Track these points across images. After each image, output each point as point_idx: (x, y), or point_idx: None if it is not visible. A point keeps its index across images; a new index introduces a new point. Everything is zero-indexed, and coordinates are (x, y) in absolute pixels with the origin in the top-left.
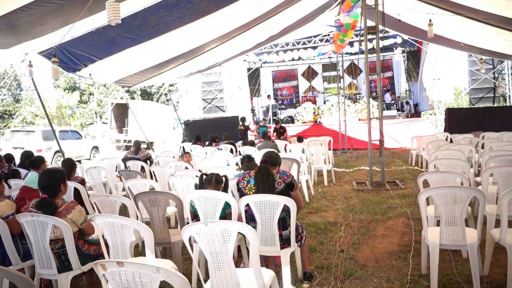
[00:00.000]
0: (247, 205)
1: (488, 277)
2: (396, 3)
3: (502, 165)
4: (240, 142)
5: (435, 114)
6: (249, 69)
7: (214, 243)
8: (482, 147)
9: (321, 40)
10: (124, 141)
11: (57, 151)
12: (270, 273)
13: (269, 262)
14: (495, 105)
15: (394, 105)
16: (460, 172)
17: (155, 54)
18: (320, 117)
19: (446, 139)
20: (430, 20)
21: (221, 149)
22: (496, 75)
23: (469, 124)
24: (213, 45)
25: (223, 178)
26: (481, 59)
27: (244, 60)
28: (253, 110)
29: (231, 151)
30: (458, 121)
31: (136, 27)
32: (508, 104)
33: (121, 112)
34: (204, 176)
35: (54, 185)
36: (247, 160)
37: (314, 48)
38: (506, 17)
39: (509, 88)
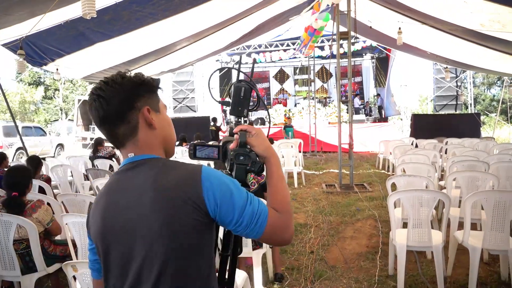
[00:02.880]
0: None
1: (451, 277)
2: (367, 10)
3: (464, 170)
4: (211, 143)
5: (401, 119)
6: (221, 70)
7: None
8: (446, 152)
9: (293, 43)
10: (91, 139)
11: (20, 147)
12: (242, 274)
13: (240, 263)
14: (458, 112)
15: (363, 110)
16: (426, 176)
17: (126, 50)
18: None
19: (412, 144)
20: (399, 28)
21: None
22: (459, 84)
23: (433, 129)
24: (185, 43)
25: None
26: (446, 68)
27: (217, 60)
28: (224, 111)
29: None
30: (423, 126)
31: (107, 21)
32: (469, 112)
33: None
34: None
35: (23, 182)
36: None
37: (286, 50)
38: (469, 29)
39: (470, 96)
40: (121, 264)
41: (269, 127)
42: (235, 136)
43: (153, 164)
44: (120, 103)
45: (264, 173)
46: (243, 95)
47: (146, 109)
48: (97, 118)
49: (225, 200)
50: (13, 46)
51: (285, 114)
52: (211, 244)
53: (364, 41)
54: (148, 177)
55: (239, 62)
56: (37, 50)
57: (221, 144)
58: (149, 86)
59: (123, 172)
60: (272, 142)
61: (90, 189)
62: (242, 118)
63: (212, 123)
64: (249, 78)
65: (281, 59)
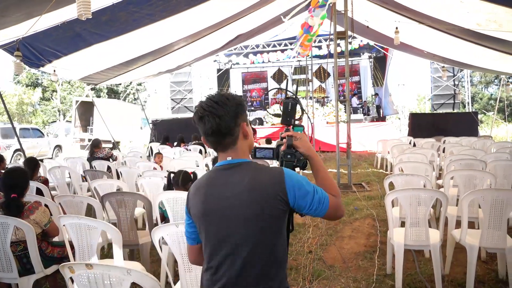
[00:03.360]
0: None
1: (449, 276)
2: (364, 10)
3: (462, 169)
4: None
5: (399, 118)
6: (219, 70)
7: (184, 244)
8: (443, 151)
9: (290, 43)
10: (89, 140)
11: (17, 149)
12: None
13: None
14: (455, 111)
15: (361, 109)
16: (423, 175)
17: (123, 51)
18: None
19: (410, 143)
20: (396, 28)
21: (189, 150)
22: (456, 83)
23: (431, 128)
24: (183, 43)
25: (191, 175)
26: (443, 67)
27: (214, 61)
28: None
29: (200, 152)
30: (421, 125)
31: (104, 22)
32: (467, 110)
33: (86, 111)
34: (172, 175)
35: (22, 184)
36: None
37: (283, 51)
38: (466, 28)
39: (468, 95)
40: (218, 238)
41: (312, 132)
42: (284, 140)
43: (246, 167)
44: (229, 121)
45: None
46: (290, 108)
47: (244, 124)
48: (209, 130)
49: (301, 193)
50: (10, 48)
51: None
52: (285, 226)
53: (362, 41)
54: (244, 176)
55: (286, 84)
56: (34, 52)
57: (275, 146)
58: (243, 106)
59: (221, 170)
60: (269, 142)
61: (88, 190)
62: (291, 126)
63: None
64: (294, 95)
65: (278, 60)
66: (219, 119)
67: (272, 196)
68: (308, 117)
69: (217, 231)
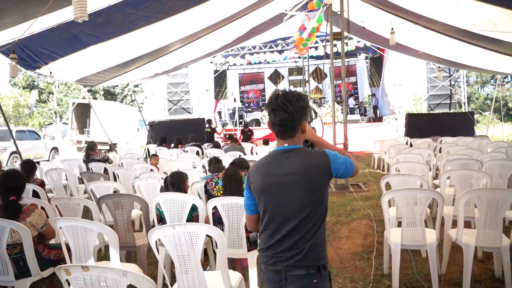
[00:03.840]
0: (215, 207)
1: (445, 275)
2: (360, 11)
3: (458, 169)
4: (206, 145)
5: (396, 119)
6: (215, 71)
7: (181, 246)
8: (440, 151)
9: (287, 44)
10: (86, 142)
11: (14, 152)
12: (237, 276)
13: (235, 264)
14: (452, 111)
15: (358, 110)
16: (420, 175)
17: (119, 52)
18: None
19: (406, 143)
20: (392, 29)
21: (187, 151)
22: (453, 83)
23: (428, 129)
24: (179, 44)
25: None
26: (439, 67)
27: (211, 62)
28: (219, 113)
29: (198, 153)
30: (417, 126)
31: (100, 24)
32: (463, 110)
33: (82, 112)
34: (169, 178)
35: (20, 186)
36: (215, 162)
37: (281, 52)
38: (462, 28)
39: (464, 95)
40: (275, 208)
41: (322, 131)
42: None
43: (299, 151)
44: (295, 118)
45: None
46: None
47: (305, 122)
48: (278, 121)
49: (339, 164)
50: (5, 50)
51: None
52: (327, 196)
53: (359, 41)
54: (297, 159)
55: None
56: (30, 54)
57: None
58: (308, 107)
59: (279, 153)
60: (267, 143)
61: (85, 192)
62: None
63: (207, 125)
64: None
65: (275, 60)
66: (287, 115)
67: (322, 172)
68: (321, 120)
69: (274, 203)
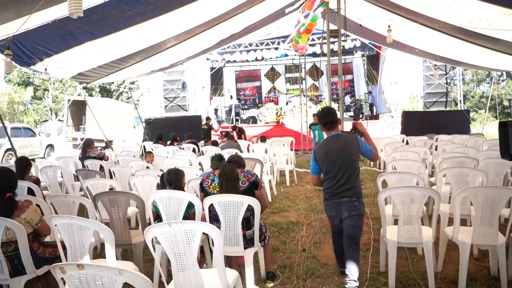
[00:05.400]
0: (211, 205)
1: (441, 273)
2: (357, 8)
3: (454, 166)
4: (202, 142)
5: (392, 116)
6: (212, 68)
7: (178, 244)
8: (436, 149)
9: (283, 42)
10: (81, 139)
11: (9, 149)
12: (234, 273)
13: (232, 262)
14: (447, 109)
15: (354, 107)
16: (416, 172)
17: (115, 49)
18: (282, 118)
19: (403, 141)
20: (389, 26)
21: (183, 149)
22: (449, 81)
23: (424, 126)
24: (175, 41)
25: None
26: (435, 65)
27: (208, 59)
28: (216, 110)
29: (194, 150)
30: (414, 123)
31: (95, 21)
32: (459, 108)
33: (78, 110)
34: (165, 175)
35: (13, 182)
36: (217, 159)
37: (277, 49)
38: (458, 26)
39: (460, 93)
40: (333, 165)
41: (341, 121)
42: (354, 125)
43: (342, 136)
44: (336, 118)
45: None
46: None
47: (340, 120)
48: (329, 121)
49: (363, 148)
50: (0, 46)
51: (277, 113)
52: (358, 161)
53: (355, 39)
54: (341, 139)
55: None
56: (25, 50)
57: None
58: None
59: (332, 137)
60: (264, 140)
61: (80, 190)
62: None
63: (204, 122)
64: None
65: (271, 58)
66: (332, 117)
67: (355, 147)
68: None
69: (333, 163)
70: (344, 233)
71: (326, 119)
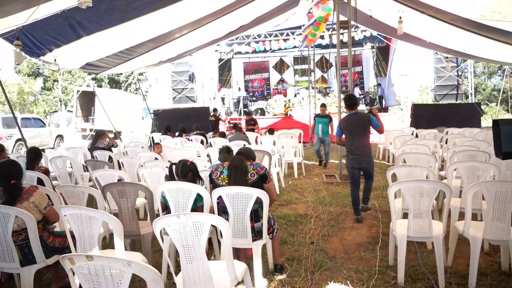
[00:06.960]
0: (220, 197)
1: (451, 268)
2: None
3: (465, 160)
4: (211, 133)
5: (401, 109)
6: (220, 60)
7: (186, 235)
8: (446, 142)
9: (292, 33)
10: (90, 130)
11: (19, 139)
12: (242, 266)
13: (240, 254)
14: (458, 101)
15: (363, 100)
16: (426, 166)
17: (124, 39)
18: (290, 110)
19: (412, 134)
20: (400, 18)
21: (191, 140)
22: (460, 73)
23: (434, 119)
24: (184, 31)
25: (190, 165)
26: (447, 57)
27: (216, 51)
28: (222, 99)
29: (202, 142)
30: (423, 116)
31: (103, 11)
32: (469, 101)
33: (87, 100)
34: (173, 167)
35: (18, 170)
36: (226, 151)
37: (286, 40)
38: (470, 19)
39: (471, 86)
40: (353, 132)
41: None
42: (370, 109)
43: (359, 113)
44: (356, 102)
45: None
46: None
47: (358, 103)
48: (352, 104)
49: (373, 122)
50: (10, 37)
51: (285, 105)
52: (369, 131)
53: (365, 31)
54: (359, 116)
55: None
56: (34, 41)
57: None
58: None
59: (352, 114)
60: (272, 132)
61: (90, 180)
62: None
63: (212, 113)
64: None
65: (280, 49)
66: (353, 100)
67: (367, 121)
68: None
69: (352, 130)
70: (364, 174)
71: (350, 101)
